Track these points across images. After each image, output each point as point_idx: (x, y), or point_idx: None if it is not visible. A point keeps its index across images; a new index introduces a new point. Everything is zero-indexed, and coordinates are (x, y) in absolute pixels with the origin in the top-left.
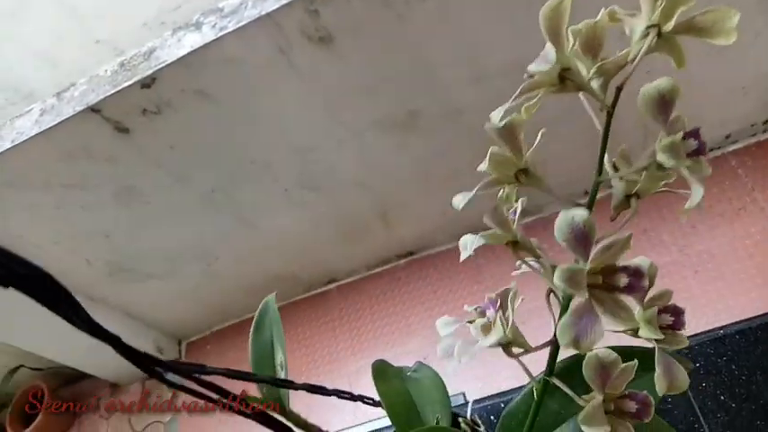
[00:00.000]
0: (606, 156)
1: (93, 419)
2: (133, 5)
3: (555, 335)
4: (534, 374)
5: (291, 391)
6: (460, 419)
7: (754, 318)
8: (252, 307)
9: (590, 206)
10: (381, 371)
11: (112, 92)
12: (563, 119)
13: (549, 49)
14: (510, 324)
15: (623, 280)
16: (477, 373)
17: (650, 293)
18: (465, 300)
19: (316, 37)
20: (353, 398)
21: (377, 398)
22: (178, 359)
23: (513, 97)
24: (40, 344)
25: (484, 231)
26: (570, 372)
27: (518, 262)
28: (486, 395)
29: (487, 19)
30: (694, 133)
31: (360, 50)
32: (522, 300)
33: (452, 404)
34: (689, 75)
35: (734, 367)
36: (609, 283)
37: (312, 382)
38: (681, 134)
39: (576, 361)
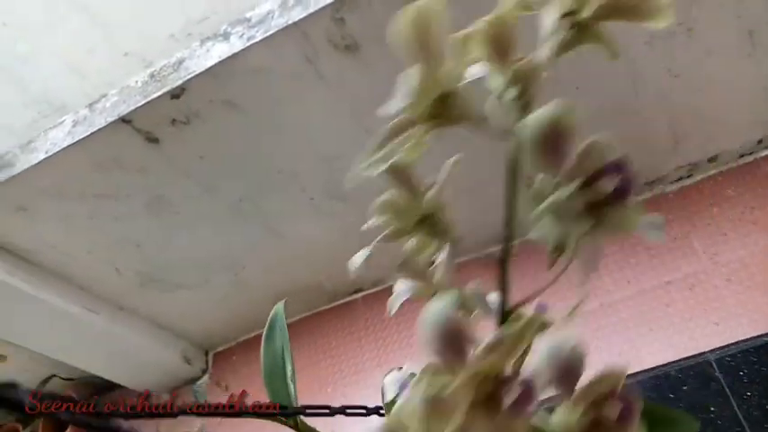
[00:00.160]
0: None
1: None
2: (160, 18)
3: None
4: None
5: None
6: None
7: None
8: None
9: (503, 261)
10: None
11: (143, 102)
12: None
13: (411, 76)
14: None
15: (512, 396)
16: None
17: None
18: None
19: (342, 45)
20: (368, 412)
21: None
22: (205, 369)
23: (376, 147)
24: (72, 354)
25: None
26: None
27: None
28: None
29: None
30: (615, 167)
31: (385, 57)
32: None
33: None
34: (715, 75)
35: None
36: (496, 398)
37: (338, 393)
38: (575, 184)
39: None
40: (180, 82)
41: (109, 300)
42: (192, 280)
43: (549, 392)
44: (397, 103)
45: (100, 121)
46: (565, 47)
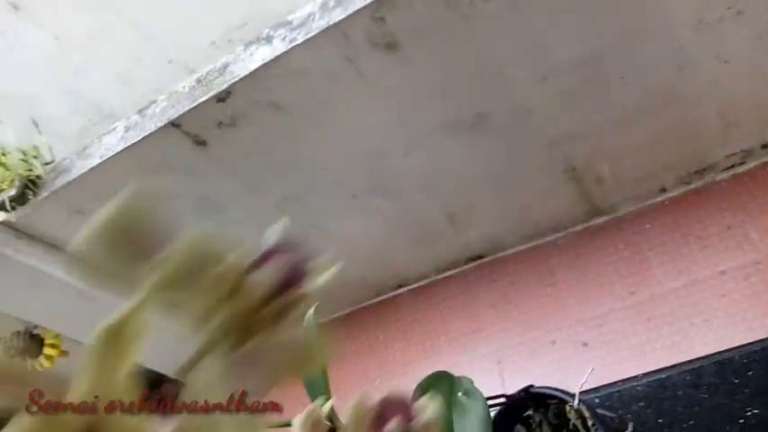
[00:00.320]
0: None
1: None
2: (202, 26)
3: None
4: None
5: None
6: (567, 407)
7: None
8: (324, 312)
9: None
10: (428, 389)
11: (190, 107)
12: (634, 117)
13: None
14: None
15: None
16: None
17: None
18: (538, 303)
19: (382, 44)
20: None
21: None
22: None
23: None
24: None
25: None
26: None
27: None
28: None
29: (554, 15)
30: (276, 254)
31: (426, 54)
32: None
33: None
34: (767, 59)
35: None
36: None
37: (386, 385)
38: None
39: None
40: (225, 86)
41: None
42: None
43: None
44: None
45: (150, 126)
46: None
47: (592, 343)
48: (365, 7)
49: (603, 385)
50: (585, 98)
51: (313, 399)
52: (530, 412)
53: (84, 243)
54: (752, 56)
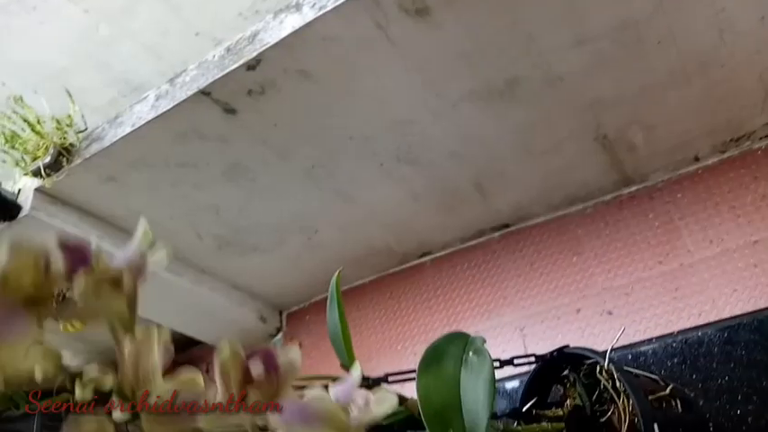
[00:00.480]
0: None
1: None
2: None
3: None
4: None
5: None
6: (598, 368)
7: None
8: (349, 279)
9: None
10: (436, 355)
11: (220, 75)
12: (670, 84)
13: None
14: None
15: None
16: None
17: None
18: (564, 272)
19: (412, 9)
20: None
21: None
22: (279, 328)
23: None
24: (159, 313)
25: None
26: None
27: None
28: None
29: None
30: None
31: (456, 19)
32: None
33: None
34: None
35: None
36: None
37: (408, 352)
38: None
39: None
40: (255, 54)
41: (191, 263)
42: (268, 243)
43: None
44: None
45: (181, 95)
46: None
47: (617, 312)
48: None
49: (637, 342)
50: (620, 63)
51: (341, 362)
52: (565, 372)
53: None
54: None
